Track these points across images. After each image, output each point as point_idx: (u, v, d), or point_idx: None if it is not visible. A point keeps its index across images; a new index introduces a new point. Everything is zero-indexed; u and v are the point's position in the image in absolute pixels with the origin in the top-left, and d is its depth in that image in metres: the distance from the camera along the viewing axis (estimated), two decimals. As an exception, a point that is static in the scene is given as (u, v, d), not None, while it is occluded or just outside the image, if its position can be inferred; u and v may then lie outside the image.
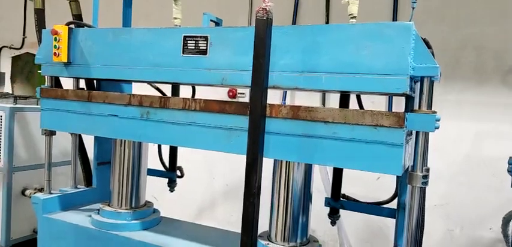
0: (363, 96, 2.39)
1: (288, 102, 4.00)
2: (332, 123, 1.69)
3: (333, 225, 2.49)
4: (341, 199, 2.37)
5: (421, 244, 2.23)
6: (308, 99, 3.88)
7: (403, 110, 2.02)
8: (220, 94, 4.21)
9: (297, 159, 1.88)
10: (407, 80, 1.58)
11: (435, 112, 1.66)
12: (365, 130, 1.64)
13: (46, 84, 2.52)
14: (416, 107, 1.82)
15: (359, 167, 1.68)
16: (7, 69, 5.07)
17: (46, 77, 2.51)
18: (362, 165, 1.67)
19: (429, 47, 1.71)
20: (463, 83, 3.38)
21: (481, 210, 3.32)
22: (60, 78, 2.56)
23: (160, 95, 2.10)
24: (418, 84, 1.76)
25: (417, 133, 1.69)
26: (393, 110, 3.47)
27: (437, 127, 1.62)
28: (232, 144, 1.88)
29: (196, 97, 3.02)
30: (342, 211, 2.42)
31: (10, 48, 5.50)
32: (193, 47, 1.97)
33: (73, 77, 2.47)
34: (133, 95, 2.15)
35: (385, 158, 1.61)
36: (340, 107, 2.37)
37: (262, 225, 1.90)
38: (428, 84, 1.68)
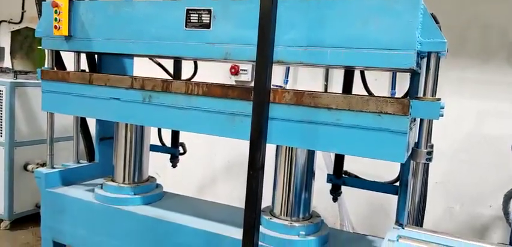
0: (366, 74, 2.37)
1: (290, 83, 3.98)
2: (335, 110, 1.68)
3: (334, 202, 2.50)
4: (343, 175, 2.38)
5: (422, 221, 2.25)
6: (311, 79, 3.86)
7: (407, 87, 2.02)
8: (222, 69, 4.18)
9: (300, 145, 1.88)
10: (414, 55, 1.56)
11: (439, 99, 1.65)
12: (369, 118, 1.63)
13: (46, 58, 2.50)
14: (421, 82, 1.80)
15: (362, 154, 1.68)
16: (6, 44, 5.02)
17: (46, 51, 2.48)
18: (365, 152, 1.67)
19: (437, 21, 1.68)
20: (467, 61, 3.35)
21: (481, 188, 3.34)
22: (61, 52, 2.53)
23: (162, 78, 2.08)
24: (424, 60, 1.74)
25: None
26: (396, 87, 3.50)
27: (441, 115, 1.61)
28: (235, 129, 1.87)
29: (198, 73, 3.02)
30: (343, 188, 2.43)
31: (9, 22, 5.42)
32: (196, 21, 1.94)
33: (74, 51, 2.44)
34: (135, 78, 2.13)
35: (389, 145, 1.61)
36: (343, 85, 2.36)
37: (264, 202, 1.91)
38: (435, 60, 1.66)
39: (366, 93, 2.43)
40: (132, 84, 2.12)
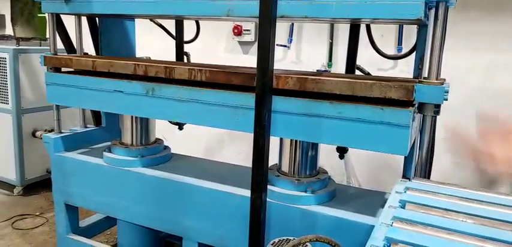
0: (373, 30, 2.33)
1: (294, 42, 3.91)
2: (337, 103, 1.66)
3: (341, 159, 2.51)
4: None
5: (429, 175, 2.25)
6: (316, 36, 3.79)
7: (413, 42, 1.97)
8: (225, 30, 4.12)
9: (302, 138, 1.87)
10: (422, 5, 1.51)
11: (443, 81, 1.62)
12: (371, 111, 1.61)
13: (47, 23, 2.47)
14: (429, 35, 1.76)
15: (365, 147, 1.67)
16: (7, 11, 4.95)
17: (47, 16, 2.45)
18: (368, 145, 1.65)
19: (445, -31, 1.62)
20: (477, 12, 3.26)
21: (489, 142, 3.32)
22: (61, 15, 2.50)
23: (165, 64, 2.06)
24: (432, 11, 1.69)
25: (430, 66, 1.64)
26: (403, 43, 3.44)
27: (445, 99, 1.59)
28: (239, 122, 1.86)
29: (201, 36, 2.98)
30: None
31: (8, -11, 5.32)
32: (197, -23, 1.89)
33: (74, 14, 2.40)
34: (138, 64, 2.12)
35: (391, 139, 1.59)
36: (349, 42, 2.32)
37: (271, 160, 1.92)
38: (444, 9, 1.61)
39: (376, 58, 2.40)
40: (135, 70, 2.11)
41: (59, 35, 2.57)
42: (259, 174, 1.73)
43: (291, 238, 1.70)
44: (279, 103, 1.76)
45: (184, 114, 2.03)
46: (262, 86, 1.69)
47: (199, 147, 4.41)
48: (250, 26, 4.00)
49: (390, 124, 1.58)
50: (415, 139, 1.83)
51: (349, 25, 2.34)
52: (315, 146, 2.06)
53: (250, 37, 4.05)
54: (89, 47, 2.78)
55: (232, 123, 1.89)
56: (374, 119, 1.61)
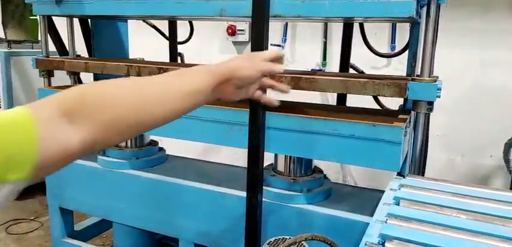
0: (366, 28, 2.34)
1: (288, 42, 3.92)
2: (332, 120, 1.68)
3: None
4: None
5: (423, 173, 2.26)
6: (310, 36, 3.80)
7: (407, 40, 1.99)
8: (219, 30, 4.11)
9: (296, 154, 1.89)
10: (413, 3, 1.53)
11: (436, 78, 1.63)
12: (364, 128, 1.62)
13: (39, 25, 2.45)
14: (421, 32, 1.77)
15: (358, 163, 1.69)
16: (-3, 14, 4.92)
17: (39, 18, 2.43)
18: (361, 161, 1.67)
19: (437, -34, 1.63)
20: (469, 10, 3.28)
21: (482, 139, 3.34)
22: (53, 17, 2.49)
23: (157, 65, 2.05)
24: (424, 9, 1.70)
25: (423, 63, 1.65)
26: (396, 41, 3.45)
27: (438, 97, 1.60)
28: (234, 138, 1.87)
29: (195, 37, 2.97)
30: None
31: (-2, -8, 5.28)
32: (190, -22, 1.88)
33: (66, 15, 2.39)
34: (131, 65, 2.10)
35: (384, 155, 1.60)
36: (342, 40, 2.33)
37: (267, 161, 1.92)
38: (435, 7, 1.62)
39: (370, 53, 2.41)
40: (128, 71, 2.09)
41: (51, 37, 2.55)
42: (255, 174, 1.73)
43: (287, 237, 1.70)
44: (272, 119, 1.77)
45: (178, 130, 2.01)
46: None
47: (195, 148, 4.40)
48: (244, 26, 4.00)
49: (382, 140, 1.60)
50: (409, 137, 1.84)
51: (342, 24, 2.35)
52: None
53: (244, 37, 4.04)
54: (81, 48, 2.77)
55: (227, 139, 1.90)
56: (367, 136, 1.62)
